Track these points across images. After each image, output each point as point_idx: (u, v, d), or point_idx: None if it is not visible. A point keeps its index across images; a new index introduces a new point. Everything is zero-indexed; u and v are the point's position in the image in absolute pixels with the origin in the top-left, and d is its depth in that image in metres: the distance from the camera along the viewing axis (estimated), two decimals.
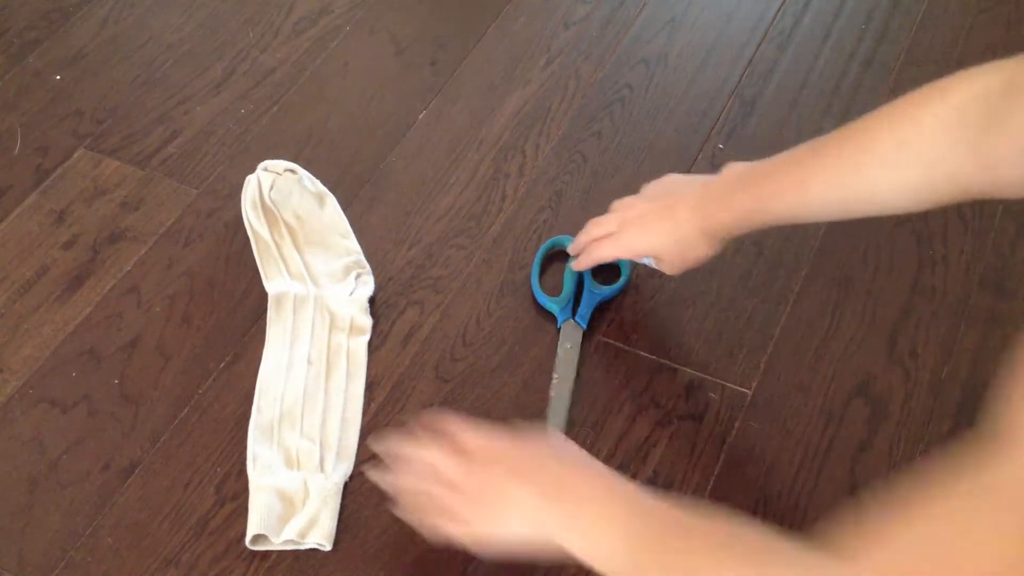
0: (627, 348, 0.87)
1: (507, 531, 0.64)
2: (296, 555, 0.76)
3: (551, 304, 0.88)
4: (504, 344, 0.87)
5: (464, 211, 0.97)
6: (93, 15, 1.15)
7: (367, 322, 0.88)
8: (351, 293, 0.88)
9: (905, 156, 0.67)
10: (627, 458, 0.81)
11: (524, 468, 0.64)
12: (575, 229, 0.94)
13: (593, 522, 0.60)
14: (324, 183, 0.99)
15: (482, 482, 0.65)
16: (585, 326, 0.87)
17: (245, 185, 0.94)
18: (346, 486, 0.79)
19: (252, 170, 0.96)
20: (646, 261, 0.85)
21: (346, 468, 0.80)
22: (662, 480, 0.80)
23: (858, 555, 0.46)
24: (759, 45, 1.11)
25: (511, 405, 0.83)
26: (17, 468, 0.81)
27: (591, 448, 0.81)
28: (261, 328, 0.89)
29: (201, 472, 0.81)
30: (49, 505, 0.79)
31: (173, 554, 0.76)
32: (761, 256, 0.93)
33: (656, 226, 0.81)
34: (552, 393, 0.83)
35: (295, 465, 0.79)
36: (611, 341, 0.88)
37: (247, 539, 0.75)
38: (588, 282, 0.89)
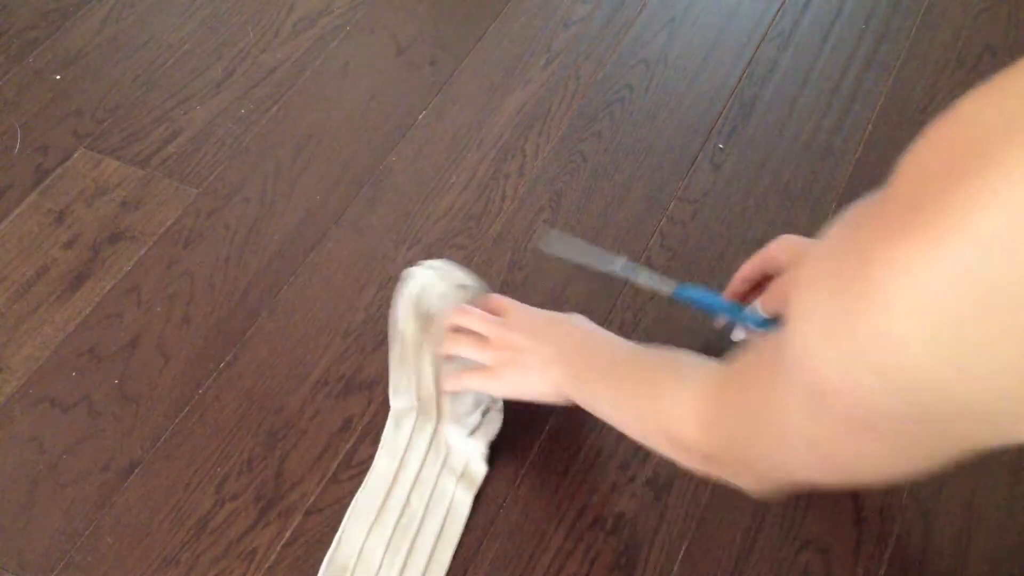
0: None
1: (527, 384, 0.75)
2: (296, 555, 0.76)
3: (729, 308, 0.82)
4: None
5: (464, 211, 0.97)
6: (93, 15, 1.15)
7: (480, 471, 0.79)
8: (472, 432, 0.80)
9: None
10: (627, 458, 0.81)
11: (545, 332, 0.75)
12: (575, 229, 0.94)
13: (589, 375, 0.72)
14: (324, 183, 0.99)
15: (509, 339, 0.76)
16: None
17: (403, 279, 0.85)
18: None
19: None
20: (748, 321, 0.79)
21: None
22: (662, 480, 0.80)
23: (705, 386, 0.57)
24: (759, 45, 1.11)
25: (511, 405, 0.83)
26: (17, 468, 0.81)
27: (591, 448, 0.81)
28: (261, 328, 0.89)
29: (201, 472, 0.81)
30: (49, 505, 0.79)
31: (173, 554, 0.76)
32: None
33: None
34: None
35: None
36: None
37: None
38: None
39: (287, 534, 0.77)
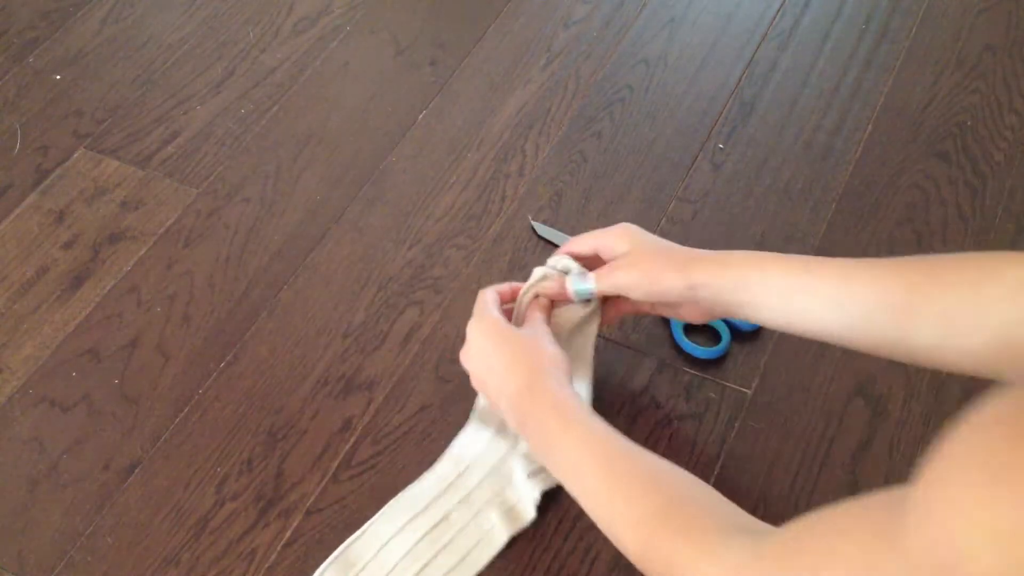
0: (627, 348, 0.87)
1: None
2: (296, 555, 0.76)
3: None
4: None
5: (464, 211, 0.97)
6: (93, 15, 1.15)
7: (528, 516, 0.76)
8: (534, 473, 0.77)
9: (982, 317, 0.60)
10: None
11: (497, 368, 0.73)
12: (575, 229, 0.94)
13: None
14: (324, 183, 0.99)
15: (472, 366, 0.76)
16: None
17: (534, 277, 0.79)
18: None
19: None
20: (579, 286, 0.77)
21: None
22: None
23: (761, 547, 0.53)
24: (759, 45, 1.11)
25: None
26: (17, 468, 0.81)
27: None
28: (261, 328, 0.89)
29: (201, 472, 0.81)
30: (49, 505, 0.79)
31: (173, 554, 0.76)
32: None
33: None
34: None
35: None
36: (612, 341, 0.88)
37: None
38: (678, 334, 0.87)
39: (287, 534, 0.77)
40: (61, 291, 0.92)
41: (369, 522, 0.77)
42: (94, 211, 0.97)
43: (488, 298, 0.77)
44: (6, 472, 0.81)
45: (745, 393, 0.84)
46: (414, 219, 0.97)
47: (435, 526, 0.76)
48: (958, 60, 1.09)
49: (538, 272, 0.78)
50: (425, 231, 0.96)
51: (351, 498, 0.79)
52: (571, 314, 0.78)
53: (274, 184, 0.99)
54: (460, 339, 0.88)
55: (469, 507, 0.77)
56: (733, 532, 0.57)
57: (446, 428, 0.82)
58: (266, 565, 0.76)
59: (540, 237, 0.94)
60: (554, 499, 0.78)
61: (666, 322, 0.88)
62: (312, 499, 0.79)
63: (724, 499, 0.63)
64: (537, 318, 0.76)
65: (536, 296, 0.78)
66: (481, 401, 0.81)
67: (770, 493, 0.79)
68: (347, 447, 0.82)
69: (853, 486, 0.79)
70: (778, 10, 1.14)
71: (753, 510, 0.78)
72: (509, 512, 0.77)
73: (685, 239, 0.94)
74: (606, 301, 0.79)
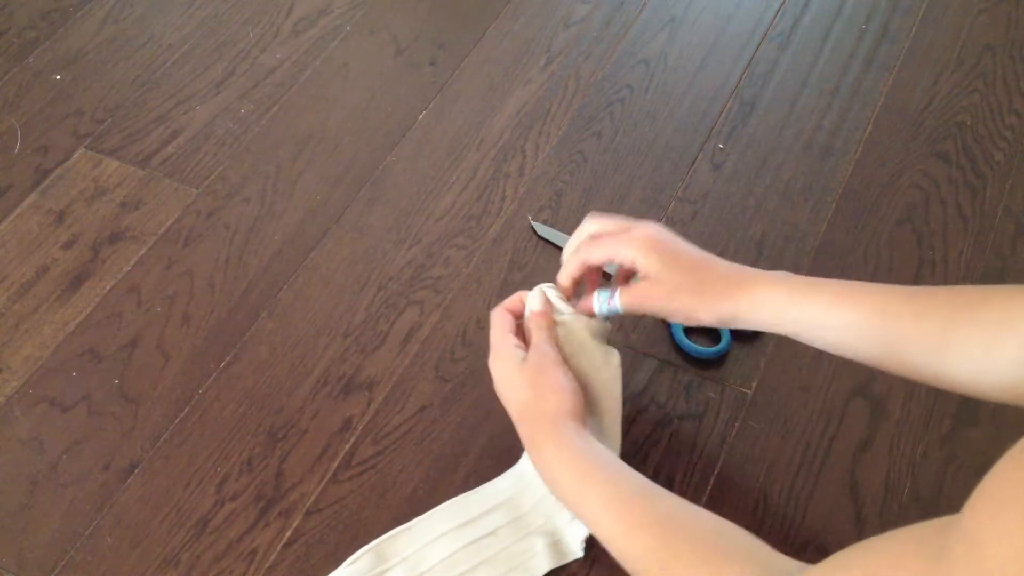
0: (627, 348, 0.87)
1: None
2: (296, 555, 0.76)
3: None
4: None
5: (464, 211, 0.97)
6: (93, 15, 1.15)
7: (574, 552, 0.75)
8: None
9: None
10: (627, 458, 0.80)
11: (504, 391, 0.74)
12: (575, 229, 0.94)
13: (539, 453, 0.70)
14: (324, 183, 0.99)
15: (505, 400, 0.74)
16: None
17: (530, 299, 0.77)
18: None
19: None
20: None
21: None
22: (662, 480, 0.79)
23: None
24: (759, 45, 1.11)
25: None
26: (17, 468, 0.81)
27: None
28: (261, 328, 0.89)
29: (201, 472, 0.81)
30: (49, 505, 0.79)
31: (173, 554, 0.76)
32: (762, 256, 0.93)
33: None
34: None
35: None
36: (611, 341, 0.87)
37: None
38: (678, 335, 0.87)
39: (287, 534, 0.77)
40: (61, 291, 0.92)
41: (416, 519, 0.76)
42: (94, 211, 0.97)
43: (502, 326, 0.75)
44: (6, 472, 0.81)
45: (745, 393, 0.84)
46: (414, 219, 0.97)
47: (481, 538, 0.75)
48: (958, 60, 1.09)
49: (537, 293, 0.76)
50: (425, 231, 0.96)
51: (351, 498, 0.79)
52: (577, 325, 0.75)
53: (274, 184, 0.99)
54: (460, 339, 0.88)
55: (519, 528, 0.76)
56: (770, 572, 0.57)
57: (446, 428, 0.82)
58: (266, 565, 0.76)
59: (540, 237, 0.94)
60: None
61: (666, 322, 0.88)
62: (312, 499, 0.79)
63: (758, 540, 0.62)
64: (542, 339, 0.73)
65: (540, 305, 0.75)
66: None
67: (770, 493, 0.79)
68: (347, 447, 0.82)
69: (853, 486, 0.79)
70: (778, 10, 1.14)
71: (753, 510, 0.78)
72: (556, 544, 0.75)
73: (685, 239, 0.94)
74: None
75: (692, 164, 1.00)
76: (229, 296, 0.91)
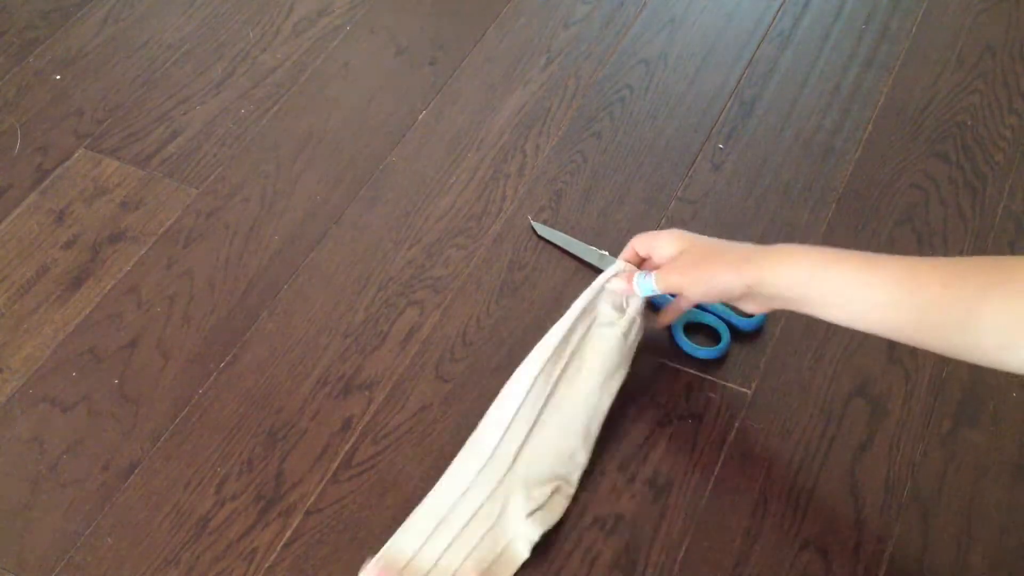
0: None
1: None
2: (296, 555, 0.76)
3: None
4: (504, 344, 0.87)
5: (464, 211, 0.97)
6: (93, 15, 1.15)
7: (522, 556, 0.74)
8: (532, 512, 0.75)
9: None
10: (627, 458, 0.81)
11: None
12: (575, 229, 0.94)
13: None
14: (324, 183, 0.99)
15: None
16: None
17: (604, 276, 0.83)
18: None
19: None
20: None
21: None
22: (662, 480, 0.80)
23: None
24: (759, 45, 1.11)
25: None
26: (17, 468, 0.81)
27: (591, 448, 0.81)
28: (261, 328, 0.89)
29: (201, 472, 0.81)
30: (49, 505, 0.79)
31: (173, 554, 0.76)
32: None
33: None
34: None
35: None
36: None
37: None
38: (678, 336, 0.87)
39: (287, 534, 0.77)
40: (61, 291, 0.92)
41: (408, 519, 0.77)
42: (94, 211, 0.97)
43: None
44: (6, 472, 0.81)
45: (745, 393, 0.84)
46: (414, 219, 0.97)
47: (468, 523, 0.76)
48: (958, 60, 1.09)
49: (618, 264, 0.83)
50: (425, 231, 0.96)
51: (351, 498, 0.79)
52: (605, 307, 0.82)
53: (274, 184, 0.99)
54: (460, 339, 0.88)
55: (481, 522, 0.76)
56: None
57: (446, 428, 0.83)
58: (266, 565, 0.76)
59: (540, 237, 0.94)
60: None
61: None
62: (312, 499, 0.79)
63: None
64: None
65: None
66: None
67: (770, 493, 0.79)
68: (347, 447, 0.82)
69: (853, 486, 0.79)
70: (778, 10, 1.14)
71: (753, 510, 0.78)
72: (501, 555, 0.74)
73: None
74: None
75: (692, 164, 1.00)
76: (229, 296, 0.91)
